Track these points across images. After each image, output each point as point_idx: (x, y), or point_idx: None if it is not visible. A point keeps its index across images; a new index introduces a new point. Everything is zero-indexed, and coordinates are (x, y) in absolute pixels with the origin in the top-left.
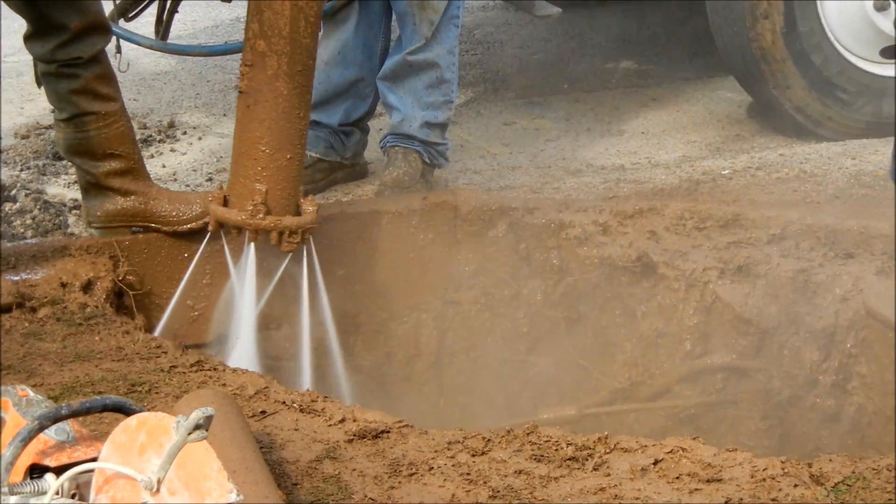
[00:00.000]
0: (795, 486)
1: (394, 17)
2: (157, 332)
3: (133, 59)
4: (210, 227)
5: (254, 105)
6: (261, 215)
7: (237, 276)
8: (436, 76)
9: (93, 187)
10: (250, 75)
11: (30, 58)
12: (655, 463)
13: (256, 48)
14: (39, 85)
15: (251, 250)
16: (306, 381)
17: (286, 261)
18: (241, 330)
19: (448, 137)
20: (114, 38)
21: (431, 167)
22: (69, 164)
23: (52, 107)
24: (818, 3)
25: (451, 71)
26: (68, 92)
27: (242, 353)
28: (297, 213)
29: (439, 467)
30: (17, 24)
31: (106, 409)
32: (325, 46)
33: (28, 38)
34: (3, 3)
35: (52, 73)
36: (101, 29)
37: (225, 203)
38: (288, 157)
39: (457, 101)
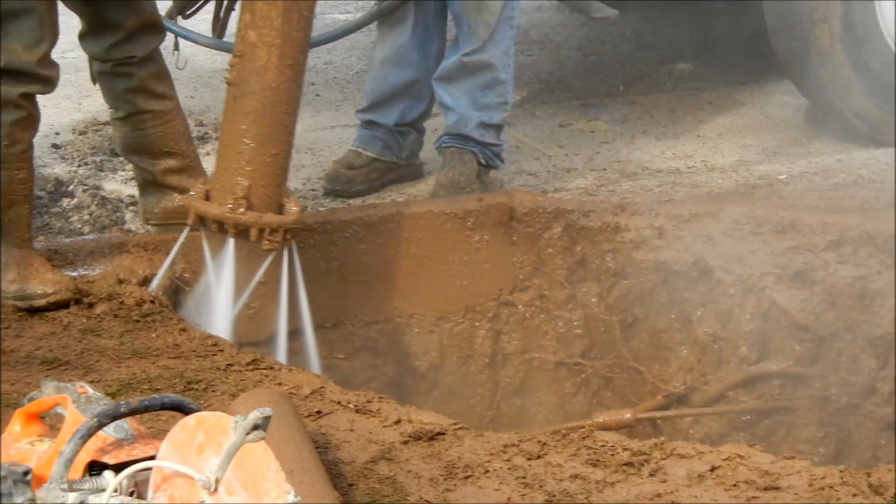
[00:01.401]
0: (854, 495)
1: (449, 17)
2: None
3: (190, 56)
4: (189, 221)
5: (241, 97)
6: (241, 210)
7: (214, 270)
8: (491, 77)
9: (150, 185)
10: (239, 66)
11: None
12: (712, 469)
13: (247, 39)
14: (95, 82)
15: (230, 246)
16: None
17: (267, 260)
18: (217, 326)
19: (503, 139)
20: (171, 36)
21: (487, 168)
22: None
23: (107, 105)
24: (877, 6)
25: (506, 72)
26: (124, 91)
27: None
28: (280, 211)
29: (495, 470)
30: (75, 21)
31: (164, 407)
32: (381, 47)
33: (83, 37)
34: (59, 0)
35: (107, 71)
36: (155, 28)
37: (207, 197)
38: (273, 152)
39: (512, 101)
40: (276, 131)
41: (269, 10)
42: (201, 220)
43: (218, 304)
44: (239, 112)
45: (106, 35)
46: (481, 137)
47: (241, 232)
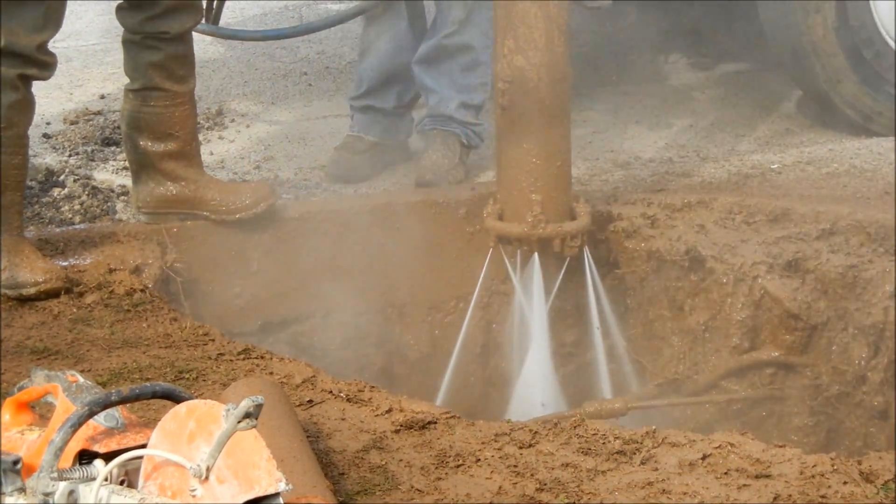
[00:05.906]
0: (845, 483)
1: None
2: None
3: None
4: (491, 243)
5: (518, 119)
6: (542, 225)
7: (523, 288)
8: (471, 59)
9: (144, 170)
10: (511, 90)
11: (78, 44)
12: (704, 458)
13: (515, 64)
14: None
15: (535, 261)
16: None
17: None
18: (535, 339)
19: (483, 118)
20: None
21: (468, 149)
22: (118, 149)
23: (125, 74)
24: None
25: (485, 54)
26: (146, 63)
27: (537, 361)
28: (573, 216)
29: (486, 459)
30: (69, 10)
31: (155, 395)
32: (377, 34)
33: (120, 9)
34: None
35: (135, 42)
36: (191, 8)
37: (500, 217)
38: (558, 164)
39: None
40: (557, 144)
41: (531, 33)
42: (500, 241)
43: (533, 318)
44: (520, 133)
45: (143, 8)
46: (462, 117)
47: (545, 245)
